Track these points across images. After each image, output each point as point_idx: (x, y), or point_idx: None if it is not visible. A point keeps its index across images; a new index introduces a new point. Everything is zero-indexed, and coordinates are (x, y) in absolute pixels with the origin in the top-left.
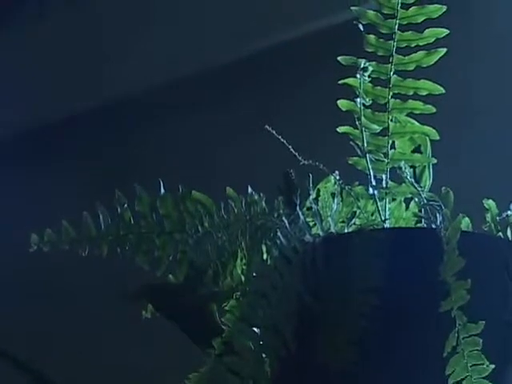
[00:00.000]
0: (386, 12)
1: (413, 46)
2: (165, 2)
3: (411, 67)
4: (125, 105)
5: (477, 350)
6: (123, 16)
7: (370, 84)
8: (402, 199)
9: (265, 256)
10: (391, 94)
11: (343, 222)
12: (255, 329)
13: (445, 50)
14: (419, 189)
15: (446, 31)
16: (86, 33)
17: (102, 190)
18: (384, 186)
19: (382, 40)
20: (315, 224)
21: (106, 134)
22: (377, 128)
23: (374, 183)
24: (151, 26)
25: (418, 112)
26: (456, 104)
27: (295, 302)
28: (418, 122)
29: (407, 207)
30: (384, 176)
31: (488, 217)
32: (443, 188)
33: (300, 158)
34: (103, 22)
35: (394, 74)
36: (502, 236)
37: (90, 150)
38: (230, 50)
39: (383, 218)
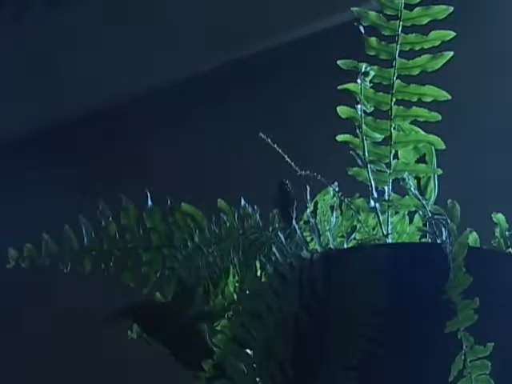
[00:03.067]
0: (388, 13)
1: (417, 49)
2: (162, 5)
3: (415, 72)
4: (112, 113)
5: (485, 373)
6: (110, 15)
7: (371, 90)
8: (406, 212)
9: (259, 273)
10: (394, 100)
11: (343, 236)
12: (249, 351)
13: (451, 53)
14: (424, 201)
15: (452, 33)
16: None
17: (85, 201)
18: (386, 198)
19: (384, 43)
20: (313, 239)
21: (93, 143)
22: (379, 136)
23: (375, 195)
24: (143, 27)
25: (422, 120)
26: (463, 110)
27: (291, 323)
28: (422, 129)
29: (411, 221)
30: (386, 188)
31: (497, 231)
32: (449, 201)
33: (296, 168)
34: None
35: (397, 78)
36: None
37: (72, 160)
38: (225, 55)
39: (385, 233)
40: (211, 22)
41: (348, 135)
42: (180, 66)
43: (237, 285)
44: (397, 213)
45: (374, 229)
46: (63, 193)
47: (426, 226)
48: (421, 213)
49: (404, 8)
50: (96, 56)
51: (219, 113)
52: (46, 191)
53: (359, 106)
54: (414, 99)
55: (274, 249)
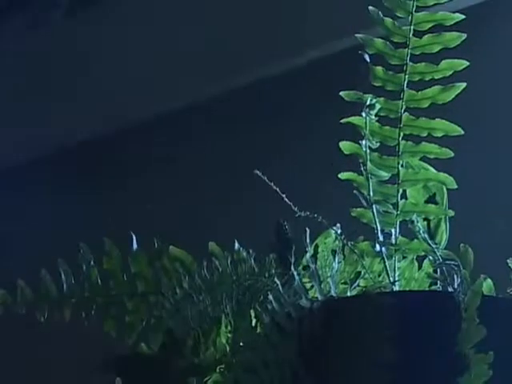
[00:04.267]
0: (396, 40)
1: (427, 79)
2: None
3: (425, 104)
4: (98, 148)
5: None
6: (111, 37)
7: (377, 123)
8: (414, 257)
9: (254, 323)
10: (402, 135)
11: (345, 283)
12: None
13: (464, 84)
14: (434, 245)
15: (465, 63)
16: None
17: (65, 246)
18: (393, 241)
19: (391, 73)
20: (313, 286)
21: (77, 179)
22: (385, 175)
23: (381, 239)
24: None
25: (432, 156)
26: (475, 144)
27: (289, 378)
28: (432, 166)
29: (420, 267)
30: (393, 230)
31: None
32: (461, 245)
33: (295, 209)
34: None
35: (405, 111)
36: None
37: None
38: (221, 85)
39: (392, 280)
40: (206, 51)
41: (352, 173)
42: (170, 97)
43: (229, 336)
44: (404, 258)
45: (379, 275)
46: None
47: (436, 272)
48: (431, 258)
49: (413, 35)
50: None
51: (211, 148)
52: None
53: (364, 142)
54: (424, 134)
55: (270, 297)
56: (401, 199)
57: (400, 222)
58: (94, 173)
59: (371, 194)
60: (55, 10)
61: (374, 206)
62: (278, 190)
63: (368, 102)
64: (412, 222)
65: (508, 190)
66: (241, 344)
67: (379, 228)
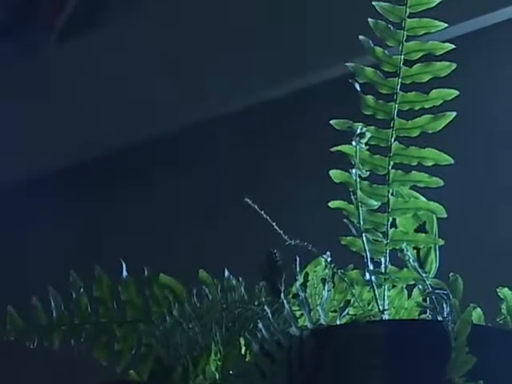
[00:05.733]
0: (386, 69)
1: (417, 108)
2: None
3: (415, 133)
4: (87, 171)
5: None
6: (121, 65)
7: (367, 152)
8: (404, 286)
9: (243, 351)
10: (392, 163)
11: (335, 311)
12: None
13: (454, 113)
14: (423, 274)
15: (455, 92)
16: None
17: (55, 271)
18: (383, 270)
19: (381, 101)
20: (302, 314)
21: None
22: (375, 203)
23: (371, 267)
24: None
25: (422, 185)
26: (463, 174)
27: None
28: (422, 195)
29: (409, 296)
30: (383, 259)
31: (503, 308)
32: (451, 274)
33: (285, 237)
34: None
35: (395, 140)
36: None
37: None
38: (208, 113)
39: (382, 308)
40: (189, 79)
41: (342, 201)
42: (152, 124)
43: (219, 364)
44: (394, 286)
45: (369, 304)
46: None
47: (425, 301)
48: (420, 287)
49: (403, 64)
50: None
51: (199, 174)
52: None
53: (354, 170)
54: (414, 163)
55: (260, 325)
56: (391, 228)
57: (390, 250)
58: (82, 196)
59: (361, 222)
60: (46, 35)
61: (363, 235)
62: (268, 217)
63: (358, 131)
64: (402, 250)
65: (497, 219)
66: (230, 372)
67: (369, 256)
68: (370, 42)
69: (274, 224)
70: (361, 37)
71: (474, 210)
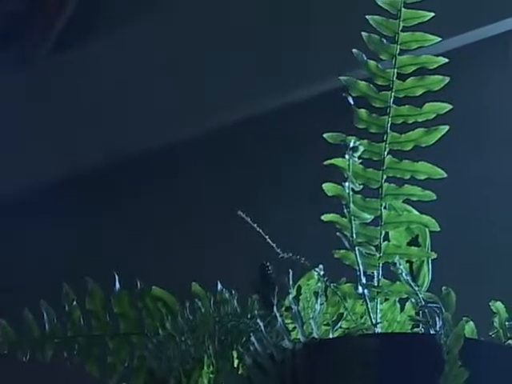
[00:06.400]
0: (379, 83)
1: (410, 122)
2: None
3: (408, 147)
4: (79, 183)
5: None
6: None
7: (360, 166)
8: (397, 300)
9: (236, 364)
10: (385, 177)
11: (328, 325)
12: None
13: (446, 127)
14: (416, 288)
15: (448, 106)
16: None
17: (47, 286)
18: (375, 283)
19: (374, 115)
20: (295, 327)
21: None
22: (368, 217)
23: (363, 280)
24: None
25: (415, 199)
26: (456, 187)
27: None
28: (415, 208)
29: (402, 309)
30: (376, 272)
31: (496, 321)
32: (444, 287)
33: (278, 250)
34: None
35: (388, 154)
36: None
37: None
38: (200, 128)
39: (374, 322)
40: (186, 92)
41: (334, 215)
42: (147, 138)
43: (212, 376)
44: (387, 300)
45: (361, 317)
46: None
47: (418, 314)
48: (413, 300)
49: (396, 78)
50: None
51: (192, 188)
52: None
53: (347, 184)
54: (407, 176)
55: (252, 338)
56: (383, 241)
57: (383, 264)
58: (75, 210)
59: (354, 235)
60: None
61: (356, 248)
62: (261, 231)
63: (351, 145)
64: (394, 264)
65: (489, 233)
66: None
67: (362, 270)
68: (364, 55)
69: (266, 237)
70: (354, 50)
71: (466, 224)
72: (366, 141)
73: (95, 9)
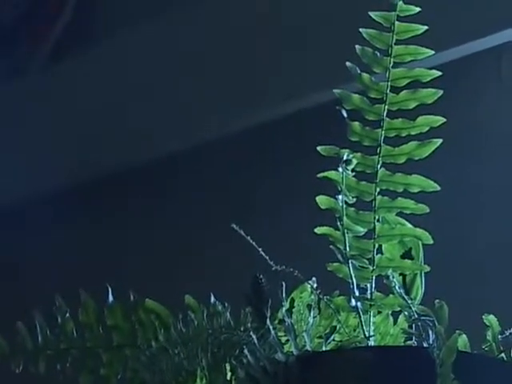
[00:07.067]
0: (373, 96)
1: (403, 135)
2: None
3: (401, 160)
4: (70, 197)
5: None
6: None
7: (353, 179)
8: (390, 313)
9: (229, 377)
10: (378, 190)
11: (321, 337)
12: None
13: (440, 140)
14: (409, 301)
15: (441, 119)
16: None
17: (39, 297)
18: (368, 296)
19: (368, 128)
20: (288, 340)
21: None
22: (361, 230)
23: (356, 293)
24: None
25: (408, 212)
26: (449, 204)
27: None
28: (408, 221)
29: (395, 322)
30: (369, 285)
31: (489, 335)
32: (437, 301)
33: (271, 263)
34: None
35: (381, 167)
36: (505, 358)
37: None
38: (194, 140)
39: (367, 334)
40: (185, 101)
41: (328, 227)
42: (146, 146)
43: None
44: (380, 313)
45: (355, 330)
46: None
47: (411, 327)
48: (406, 313)
49: (390, 91)
50: None
51: (186, 200)
52: None
53: (340, 197)
54: (400, 189)
55: (245, 351)
56: (377, 254)
57: (376, 276)
58: (71, 222)
59: (347, 248)
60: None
61: (349, 261)
62: (254, 243)
63: (345, 157)
64: (387, 277)
65: (482, 245)
66: None
67: (355, 283)
68: (357, 68)
69: (259, 249)
70: (348, 63)
71: (458, 237)
72: (359, 154)
73: (92, 17)
